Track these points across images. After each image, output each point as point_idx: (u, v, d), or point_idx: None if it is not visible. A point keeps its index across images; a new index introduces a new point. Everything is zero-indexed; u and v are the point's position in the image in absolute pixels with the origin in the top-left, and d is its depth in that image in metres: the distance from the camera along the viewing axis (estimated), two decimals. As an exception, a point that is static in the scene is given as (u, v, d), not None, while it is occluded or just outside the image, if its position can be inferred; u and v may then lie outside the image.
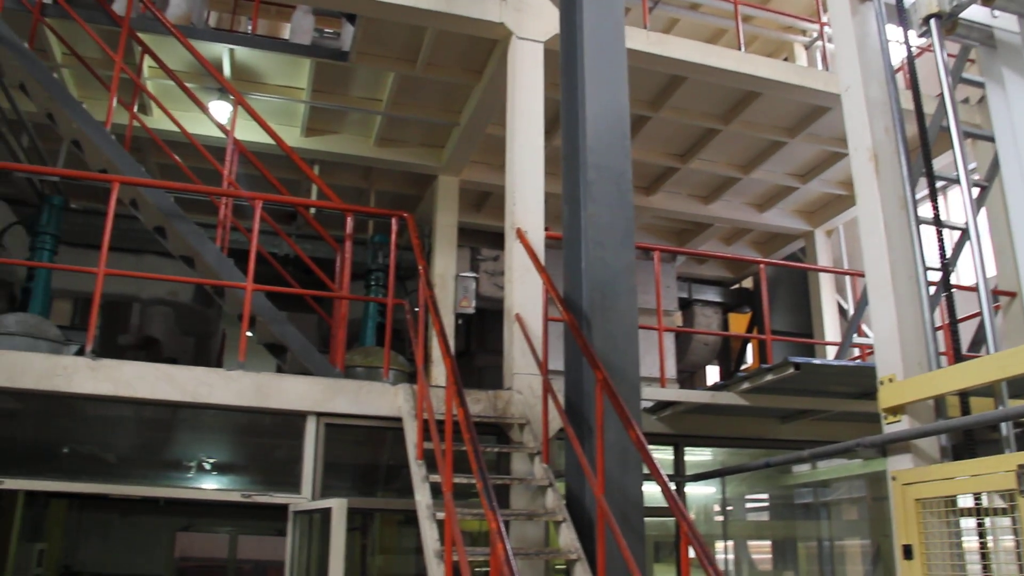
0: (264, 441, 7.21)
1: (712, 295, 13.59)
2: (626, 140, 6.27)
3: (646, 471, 5.02)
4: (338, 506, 5.74)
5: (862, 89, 5.77)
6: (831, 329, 12.02)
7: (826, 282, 12.40)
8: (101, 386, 6.05)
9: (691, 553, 4.30)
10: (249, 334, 6.79)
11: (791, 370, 6.65)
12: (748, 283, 14.50)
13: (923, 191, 5.69)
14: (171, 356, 12.66)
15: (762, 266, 9.15)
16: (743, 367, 13.69)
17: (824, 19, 11.07)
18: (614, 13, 6.58)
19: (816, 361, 6.87)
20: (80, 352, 6.35)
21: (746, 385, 7.35)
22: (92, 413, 6.80)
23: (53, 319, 8.54)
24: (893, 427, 4.98)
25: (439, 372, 8.93)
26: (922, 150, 5.67)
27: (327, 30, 12.60)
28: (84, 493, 10.23)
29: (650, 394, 7.52)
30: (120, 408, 6.62)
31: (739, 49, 9.36)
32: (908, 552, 4.55)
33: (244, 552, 13.68)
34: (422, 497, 5.26)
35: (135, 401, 6.21)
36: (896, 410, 4.95)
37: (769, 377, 6.97)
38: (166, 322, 12.53)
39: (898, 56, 7.70)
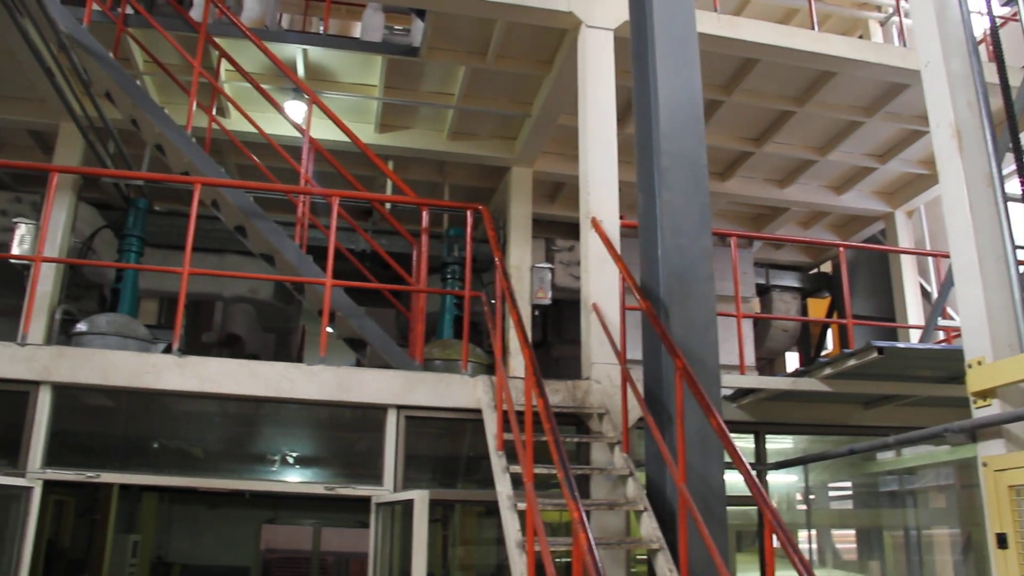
0: (345, 434, 7.35)
1: (790, 280, 13.34)
2: (700, 126, 6.20)
3: (727, 459, 4.97)
4: (420, 498, 5.81)
5: (943, 63, 5.54)
6: (914, 312, 11.69)
7: (908, 264, 12.06)
8: (188, 382, 6.24)
9: (775, 542, 4.24)
10: (329, 330, 6.91)
11: (874, 354, 6.50)
12: (827, 267, 14.21)
13: (1010, 166, 5.48)
14: (253, 352, 12.98)
15: (842, 250, 8.94)
16: (823, 353, 13.44)
17: (902, -6, 10.75)
18: (685, 2, 6.50)
19: (900, 345, 6.68)
20: (167, 350, 6.55)
21: (828, 371, 7.21)
22: (180, 409, 7.03)
23: (140, 318, 8.82)
24: (983, 412, 4.82)
25: (516, 363, 8.96)
26: (1008, 124, 5.47)
27: (396, 27, 12.73)
28: (176, 487, 10.63)
29: (730, 381, 7.43)
30: (207, 404, 6.83)
31: (812, 28, 9.14)
32: (1002, 541, 4.41)
33: (327, 544, 13.96)
34: (503, 488, 5.29)
35: (220, 396, 6.38)
36: (986, 394, 4.79)
37: (852, 362, 6.82)
38: (247, 319, 12.85)
39: (980, 27, 7.44)
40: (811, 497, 10.94)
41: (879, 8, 13.07)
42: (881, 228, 12.92)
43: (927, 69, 5.72)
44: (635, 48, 6.60)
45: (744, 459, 4.47)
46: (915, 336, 11.09)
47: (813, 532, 10.88)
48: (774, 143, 10.89)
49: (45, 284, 9.03)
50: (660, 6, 6.37)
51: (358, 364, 11.43)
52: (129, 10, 8.55)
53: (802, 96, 9.99)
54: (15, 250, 8.85)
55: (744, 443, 8.14)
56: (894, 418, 8.15)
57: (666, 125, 6.08)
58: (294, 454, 7.53)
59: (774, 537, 4.12)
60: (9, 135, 10.96)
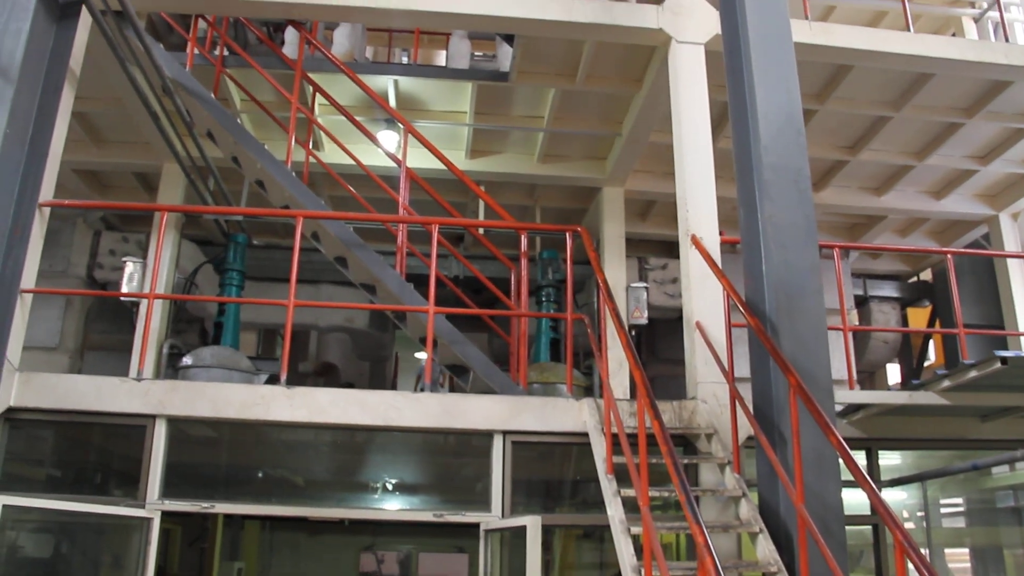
0: (450, 460, 7.37)
1: (889, 290, 12.95)
2: (801, 137, 6.08)
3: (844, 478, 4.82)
4: (532, 523, 5.78)
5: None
6: (1025, 319, 11.21)
7: (1016, 268, 11.57)
8: (297, 413, 6.35)
9: (908, 565, 4.07)
10: (419, 355, 6.95)
11: (997, 365, 6.22)
12: (926, 275, 13.74)
13: None
14: (348, 380, 13.19)
15: (950, 257, 8.62)
16: (926, 364, 12.99)
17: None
18: (778, 8, 6.41)
19: (1026, 354, 6.39)
20: (271, 381, 6.68)
21: (947, 383, 6.93)
22: (284, 438, 7.15)
23: (241, 350, 9.04)
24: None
25: (615, 384, 8.87)
26: None
27: (477, 53, 12.85)
28: (284, 516, 10.81)
29: (843, 397, 7.20)
30: (307, 433, 6.93)
31: (907, 30, 8.89)
32: None
33: (425, 569, 13.99)
34: (615, 512, 5.22)
35: (330, 427, 6.47)
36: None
37: (973, 374, 6.54)
38: (343, 348, 13.07)
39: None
40: (923, 514, 10.54)
41: (972, 4, 12.68)
42: (984, 232, 12.44)
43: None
44: (729, 62, 6.51)
45: (867, 478, 4.32)
46: (1026, 344, 10.67)
47: (926, 552, 10.47)
48: (869, 150, 10.61)
49: (154, 320, 9.32)
50: (754, 18, 6.29)
51: (451, 389, 11.54)
52: (226, 51, 8.83)
53: (898, 100, 9.72)
54: (124, 287, 9.19)
55: (856, 459, 7.88)
56: (1014, 431, 7.79)
57: (766, 138, 5.98)
58: (399, 481, 7.58)
59: (906, 560, 3.96)
60: (115, 178, 11.43)
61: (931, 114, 9.93)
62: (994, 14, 12.19)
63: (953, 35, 13.10)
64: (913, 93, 9.49)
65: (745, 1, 6.38)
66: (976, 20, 12.78)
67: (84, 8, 6.51)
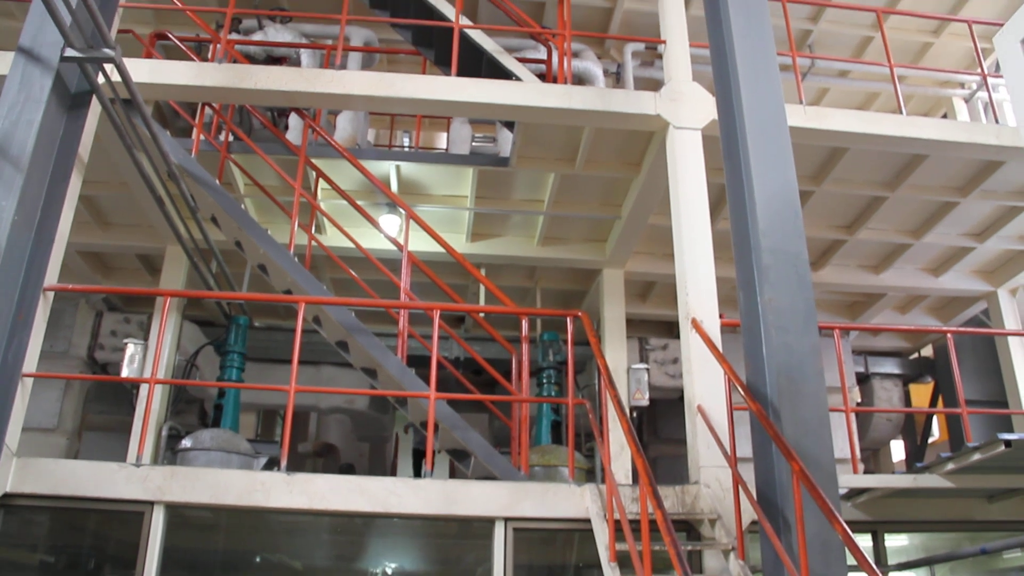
0: (451, 546, 7.26)
1: (891, 367, 12.91)
2: (799, 221, 6.12)
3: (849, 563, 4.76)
4: (536, 613, 5.68)
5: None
6: (1028, 396, 11.16)
7: (1017, 345, 11.57)
8: (297, 500, 6.28)
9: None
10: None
11: (1001, 448, 6.19)
12: (928, 351, 13.72)
13: None
14: (348, 461, 13.07)
15: (950, 336, 8.63)
16: (930, 439, 12.89)
17: (985, 69, 10.59)
18: (773, 94, 6.52)
19: (1029, 436, 6.36)
20: (270, 465, 6.63)
21: (951, 466, 6.88)
22: (280, 522, 7.05)
23: (241, 431, 8.99)
24: None
25: (617, 468, 8.79)
26: None
27: (477, 135, 13.05)
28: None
29: (847, 481, 7.14)
30: (306, 518, 6.83)
31: (899, 112, 9.06)
32: None
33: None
34: (619, 601, 5.14)
35: (330, 514, 6.40)
36: None
37: (976, 456, 6.51)
38: (343, 429, 13.00)
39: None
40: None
41: (962, 85, 12.94)
42: (984, 308, 12.47)
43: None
44: (726, 147, 6.61)
45: (873, 567, 4.26)
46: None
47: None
48: (867, 229, 10.70)
49: (153, 402, 9.29)
50: (750, 104, 6.41)
51: (451, 473, 11.42)
52: (231, 137, 8.99)
53: (893, 181, 9.85)
54: (125, 370, 9.20)
55: (862, 542, 7.78)
56: (1022, 511, 7.70)
57: (764, 223, 6.03)
58: (399, 567, 7.46)
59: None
60: (119, 259, 11.52)
61: (926, 193, 10.04)
62: (983, 95, 12.46)
63: (945, 115, 13.38)
64: (908, 173, 9.62)
65: (741, 88, 6.49)
66: (967, 100, 13.04)
67: (94, 97, 6.65)
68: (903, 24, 12.17)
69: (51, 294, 6.51)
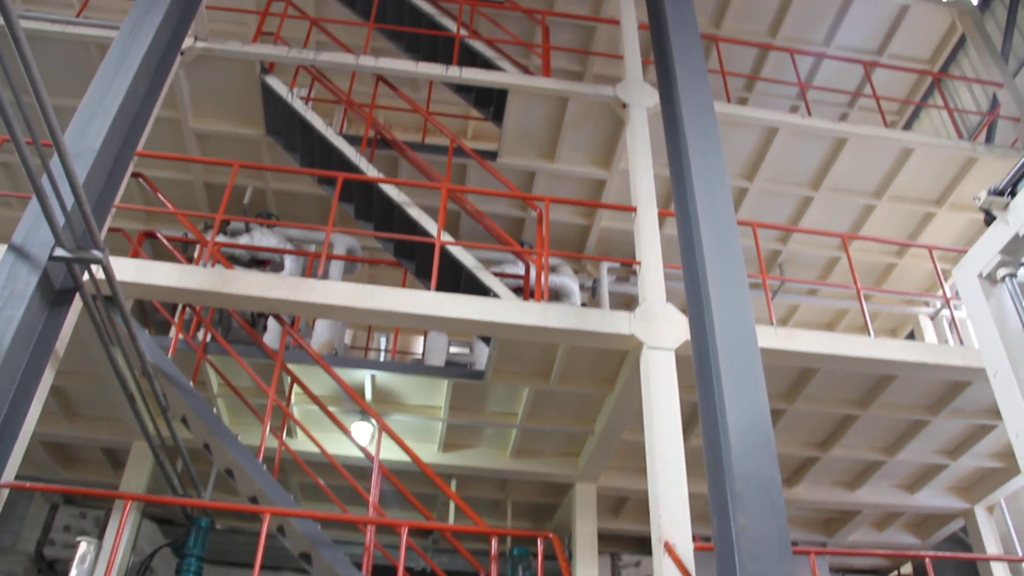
0: None
1: (870, 586, 12.63)
2: (771, 446, 6.13)
3: None
4: None
5: (1012, 373, 5.55)
6: (1011, 614, 10.84)
7: (997, 566, 11.36)
8: None
9: None
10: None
11: None
12: (907, 568, 13.42)
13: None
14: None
15: (928, 560, 8.46)
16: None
17: (947, 291, 10.96)
18: (744, 318, 6.69)
19: None
20: None
21: None
22: None
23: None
24: None
25: None
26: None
27: (453, 344, 13.18)
28: None
29: None
30: None
31: (867, 334, 9.28)
32: None
33: None
34: None
35: None
36: None
37: None
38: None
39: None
40: None
41: (927, 303, 13.35)
42: (961, 525, 12.32)
43: (996, 379, 5.69)
44: (699, 369, 6.71)
45: None
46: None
47: None
48: (841, 446, 10.71)
49: (103, 607, 8.83)
50: (722, 328, 6.56)
51: None
52: (208, 337, 9.04)
53: (864, 399, 9.96)
54: (74, 570, 8.78)
55: None
56: None
57: (737, 448, 6.03)
58: None
59: None
60: (82, 451, 11.25)
61: (897, 412, 10.13)
62: (948, 312, 12.86)
63: (912, 333, 13.73)
64: (878, 392, 9.74)
65: (713, 312, 6.66)
66: (932, 318, 13.42)
67: (77, 293, 6.69)
68: (868, 246, 12.71)
69: (5, 489, 6.29)
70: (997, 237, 6.00)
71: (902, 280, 13.14)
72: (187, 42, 9.89)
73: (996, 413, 8.69)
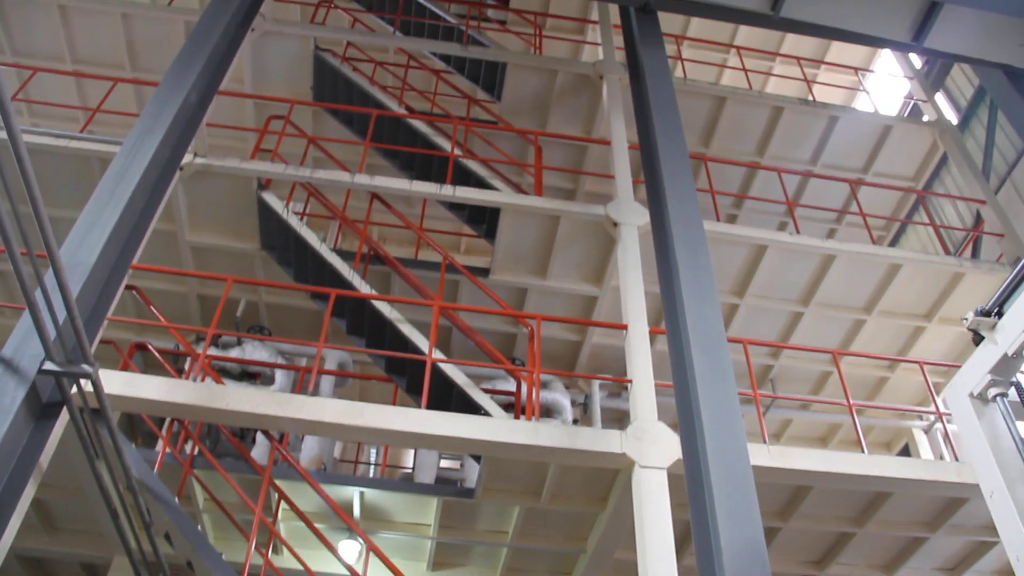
0: None
1: None
2: (766, 566, 6.01)
3: None
4: None
5: (1008, 494, 5.48)
6: None
7: None
8: None
9: None
10: None
11: None
12: None
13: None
14: None
15: None
16: None
17: (939, 405, 10.93)
18: (736, 437, 6.68)
19: None
20: None
21: None
22: None
23: None
24: None
25: None
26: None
27: (443, 461, 13.03)
28: None
29: None
30: None
31: (861, 451, 9.23)
32: None
33: None
34: None
35: None
36: None
37: None
38: None
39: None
40: None
41: (920, 417, 13.29)
42: (969, 645, 11.98)
43: (992, 500, 5.59)
44: (691, 488, 6.66)
45: None
46: None
47: None
48: (838, 564, 10.48)
49: None
50: (714, 448, 6.55)
51: None
52: (196, 451, 8.93)
53: (860, 516, 9.81)
54: None
55: None
56: None
57: (731, 568, 5.91)
58: None
59: None
60: (60, 567, 10.92)
61: (894, 529, 9.96)
62: (945, 426, 12.79)
63: (906, 446, 13.62)
64: (874, 509, 9.60)
65: (704, 430, 6.66)
66: (926, 431, 13.33)
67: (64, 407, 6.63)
68: (859, 360, 12.73)
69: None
70: (986, 357, 6.01)
71: (895, 393, 13.13)
72: (186, 157, 10.11)
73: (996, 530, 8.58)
